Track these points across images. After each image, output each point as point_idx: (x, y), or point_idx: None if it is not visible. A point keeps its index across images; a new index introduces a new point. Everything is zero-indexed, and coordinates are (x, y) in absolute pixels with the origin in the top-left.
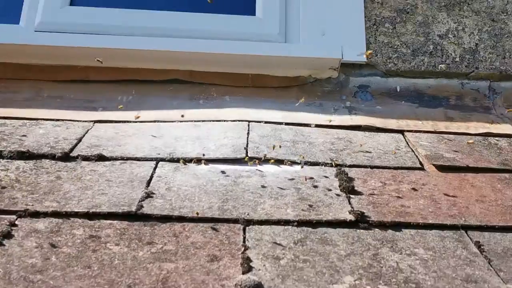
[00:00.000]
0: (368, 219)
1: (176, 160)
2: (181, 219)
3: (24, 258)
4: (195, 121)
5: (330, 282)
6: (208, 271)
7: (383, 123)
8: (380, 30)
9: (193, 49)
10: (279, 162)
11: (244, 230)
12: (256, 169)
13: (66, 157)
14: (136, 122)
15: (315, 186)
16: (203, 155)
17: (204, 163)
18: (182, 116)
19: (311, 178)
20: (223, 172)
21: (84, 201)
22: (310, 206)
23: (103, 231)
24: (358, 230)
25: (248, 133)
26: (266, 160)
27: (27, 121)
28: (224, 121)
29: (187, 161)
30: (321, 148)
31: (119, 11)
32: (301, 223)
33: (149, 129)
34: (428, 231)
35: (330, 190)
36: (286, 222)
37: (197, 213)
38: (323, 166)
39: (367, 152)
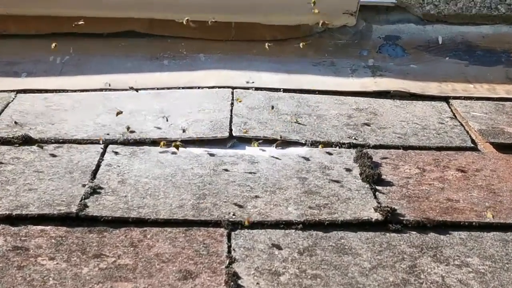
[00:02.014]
0: (402, 218)
1: (133, 142)
2: (141, 222)
3: None
4: (157, 88)
5: None
6: None
7: (421, 88)
8: None
9: None
10: (276, 143)
11: (229, 236)
12: (244, 153)
13: None
14: (75, 91)
15: (327, 175)
16: (170, 135)
17: (172, 146)
18: (138, 82)
19: (321, 164)
20: (198, 157)
21: (4, 200)
22: (321, 201)
23: (32, 240)
24: (388, 234)
25: (232, 104)
26: (257, 141)
27: None
28: (199, 88)
29: (147, 143)
30: (334, 123)
31: None
32: (308, 225)
33: (94, 100)
34: (486, 233)
35: (347, 179)
36: (288, 224)
37: (163, 214)
38: (337, 148)
39: (398, 127)
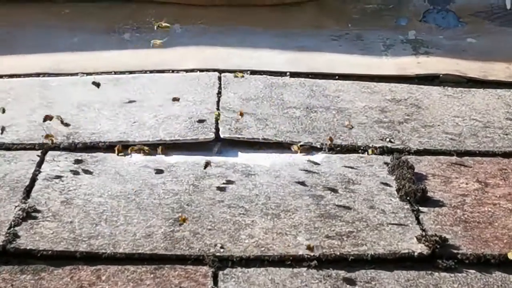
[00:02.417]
0: (456, 251)
1: (81, 148)
2: (93, 258)
3: None
4: (116, 72)
5: None
6: None
7: (482, 71)
8: None
9: None
10: (279, 147)
11: (215, 277)
12: (237, 162)
13: None
14: (1, 77)
15: (352, 192)
16: (133, 137)
17: (135, 152)
18: (89, 64)
19: (344, 176)
20: (172, 167)
21: None
22: (343, 229)
23: None
24: (436, 274)
25: (219, 94)
26: (254, 145)
27: None
28: (173, 71)
29: (102, 148)
30: (361, 119)
31: None
32: (325, 262)
33: (28, 90)
34: None
35: (380, 198)
36: (297, 261)
37: (124, 247)
38: (366, 154)
39: (450, 125)
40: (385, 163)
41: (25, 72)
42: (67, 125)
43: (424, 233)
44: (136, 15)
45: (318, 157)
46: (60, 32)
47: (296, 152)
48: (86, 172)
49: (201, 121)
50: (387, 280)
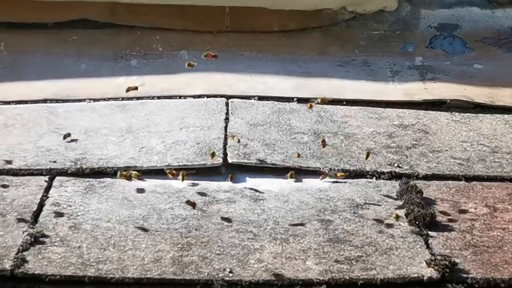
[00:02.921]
0: (465, 275)
1: (89, 173)
2: (101, 283)
3: None
4: (123, 98)
5: None
6: None
7: (489, 96)
8: None
9: None
10: (287, 172)
11: None
12: (245, 187)
13: None
14: (9, 103)
15: (361, 217)
16: (141, 162)
17: (142, 178)
18: (96, 90)
19: (352, 201)
20: (180, 193)
21: None
22: (352, 253)
23: None
24: None
25: (227, 119)
26: (261, 170)
27: None
28: (180, 97)
29: (109, 174)
30: (369, 145)
31: None
32: (334, 286)
33: (35, 116)
34: None
35: (389, 223)
36: (307, 286)
37: (132, 272)
38: (373, 179)
39: (458, 150)
40: (394, 187)
41: (32, 98)
42: None
43: (433, 257)
44: (142, 41)
45: (327, 182)
46: (67, 59)
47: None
48: (94, 197)
49: (208, 146)
50: None
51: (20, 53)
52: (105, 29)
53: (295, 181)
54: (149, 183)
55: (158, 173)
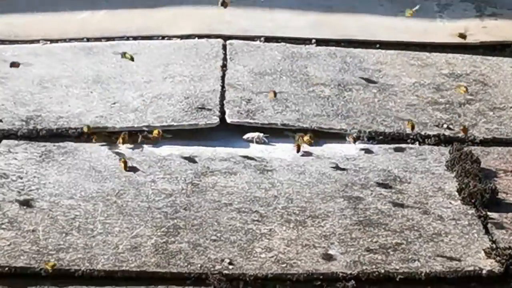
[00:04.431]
0: None
1: (45, 136)
2: (63, 277)
3: None
4: (88, 39)
5: None
6: None
7: None
8: None
9: None
10: (303, 135)
11: None
12: (249, 154)
13: None
14: None
15: (400, 193)
16: (113, 122)
17: (118, 142)
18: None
19: (389, 172)
20: (164, 161)
21: None
22: (388, 240)
23: None
24: None
25: (224, 67)
26: (271, 130)
27: None
28: (163, 38)
29: (72, 136)
30: (410, 100)
31: None
32: (366, 282)
33: None
34: None
35: (436, 200)
36: (330, 281)
37: (103, 263)
38: (416, 144)
39: None
40: (443, 155)
41: None
42: None
43: (494, 246)
44: None
45: (355, 148)
46: None
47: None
48: (53, 166)
49: (200, 101)
50: None
51: None
52: None
53: (315, 147)
54: (123, 149)
55: (137, 133)
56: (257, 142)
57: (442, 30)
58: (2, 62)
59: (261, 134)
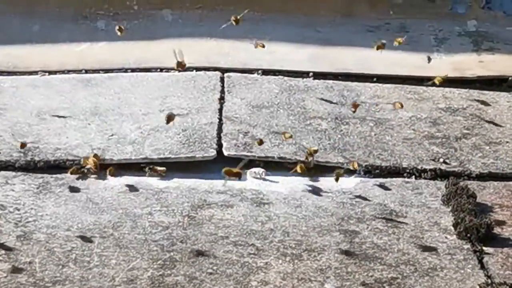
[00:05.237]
0: None
1: (41, 167)
2: None
3: None
4: (87, 71)
5: None
6: None
7: None
8: None
9: None
10: (298, 168)
11: None
12: (245, 187)
13: None
14: None
15: (396, 227)
16: (110, 154)
17: (112, 173)
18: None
19: (385, 206)
20: (161, 194)
21: None
22: (384, 274)
23: None
24: None
25: (222, 99)
26: (267, 164)
27: None
28: (161, 70)
29: (68, 168)
30: (407, 134)
31: None
32: None
33: None
34: None
35: (432, 235)
36: None
37: None
38: (412, 178)
39: None
40: (439, 190)
41: None
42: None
43: (489, 281)
44: None
45: (351, 181)
46: (15, 18)
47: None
48: (50, 198)
49: (198, 133)
50: None
51: None
52: None
53: (310, 180)
54: (121, 181)
55: (132, 167)
56: (253, 177)
57: (439, 64)
58: (1, 95)
59: (262, 170)
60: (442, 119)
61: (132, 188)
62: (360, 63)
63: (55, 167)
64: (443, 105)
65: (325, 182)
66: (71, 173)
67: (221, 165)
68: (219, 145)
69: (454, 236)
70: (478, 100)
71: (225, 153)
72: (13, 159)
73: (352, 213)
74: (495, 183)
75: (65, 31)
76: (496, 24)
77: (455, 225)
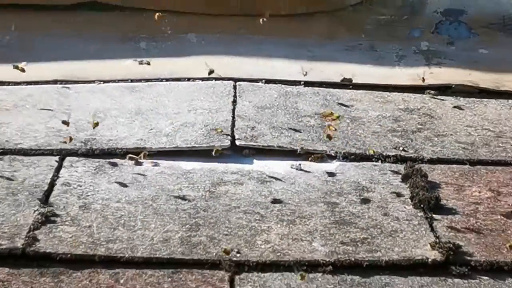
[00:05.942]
0: (469, 258)
1: (99, 154)
2: (111, 262)
3: None
4: (132, 80)
5: None
6: None
7: (494, 81)
8: None
9: None
10: (294, 155)
11: (231, 281)
12: (252, 169)
13: None
14: (19, 84)
15: (366, 199)
16: (150, 144)
17: (151, 160)
18: (105, 72)
19: (358, 184)
20: (188, 174)
21: None
22: (357, 235)
23: None
24: (450, 280)
25: (234, 102)
26: (269, 152)
27: None
28: (188, 80)
29: (119, 155)
30: (375, 129)
31: None
32: (340, 267)
33: (46, 97)
34: None
35: (394, 206)
36: (313, 266)
37: (142, 251)
38: (379, 162)
39: (463, 134)
40: (399, 171)
41: (42, 79)
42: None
43: (437, 240)
44: (151, 24)
45: (333, 165)
46: (77, 40)
47: (233, 155)
48: (104, 178)
49: (217, 129)
50: (401, 286)
51: (31, 35)
52: (114, 12)
53: (301, 164)
54: (158, 165)
55: (167, 154)
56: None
57: (400, 75)
58: (66, 98)
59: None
60: (401, 117)
61: (166, 169)
62: (340, 74)
63: (108, 154)
64: (402, 106)
65: (313, 165)
66: (130, 159)
67: (234, 152)
68: (233, 137)
69: (411, 206)
70: (429, 103)
71: (237, 143)
72: (76, 148)
73: (333, 188)
74: (442, 166)
75: (115, 50)
76: (443, 45)
77: (412, 198)
